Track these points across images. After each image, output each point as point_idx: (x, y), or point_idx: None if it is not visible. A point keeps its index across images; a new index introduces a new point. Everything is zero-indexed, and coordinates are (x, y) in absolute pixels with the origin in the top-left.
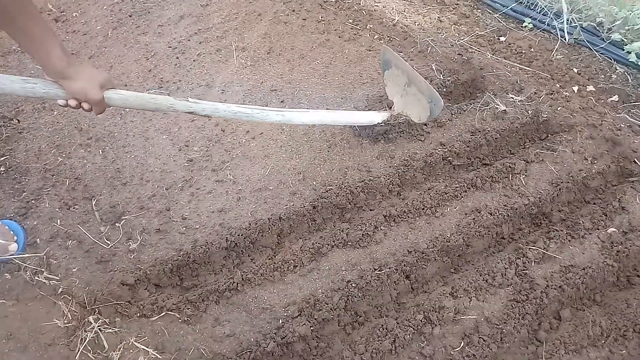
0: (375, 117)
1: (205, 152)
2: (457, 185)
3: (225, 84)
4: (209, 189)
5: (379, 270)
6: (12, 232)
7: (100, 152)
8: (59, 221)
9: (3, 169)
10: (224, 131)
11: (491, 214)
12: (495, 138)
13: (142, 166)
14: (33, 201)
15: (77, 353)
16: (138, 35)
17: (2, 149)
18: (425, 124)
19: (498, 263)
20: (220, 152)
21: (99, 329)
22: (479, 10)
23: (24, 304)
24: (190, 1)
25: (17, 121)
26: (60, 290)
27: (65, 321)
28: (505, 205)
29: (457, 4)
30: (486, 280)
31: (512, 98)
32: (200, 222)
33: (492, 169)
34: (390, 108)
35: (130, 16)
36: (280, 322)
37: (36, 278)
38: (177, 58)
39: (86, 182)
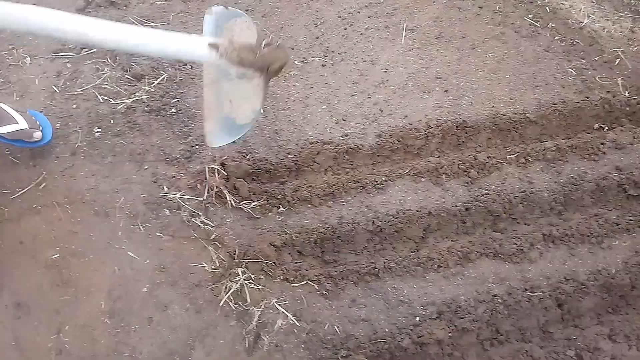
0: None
1: (361, 130)
2: (630, 218)
3: (389, 63)
4: None
5: (530, 292)
6: (37, 122)
7: (262, 111)
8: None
9: (174, 111)
10: (382, 111)
11: None
12: None
13: (299, 132)
14: (197, 147)
15: (221, 300)
16: (310, 1)
17: (175, 91)
18: None
19: None
20: (375, 132)
21: (245, 282)
22: None
23: (178, 242)
24: None
25: (190, 66)
26: (212, 236)
27: (212, 267)
28: None
29: None
30: None
31: None
32: (347, 199)
33: None
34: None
35: None
36: (417, 319)
37: (192, 220)
38: (345, 29)
39: (245, 137)
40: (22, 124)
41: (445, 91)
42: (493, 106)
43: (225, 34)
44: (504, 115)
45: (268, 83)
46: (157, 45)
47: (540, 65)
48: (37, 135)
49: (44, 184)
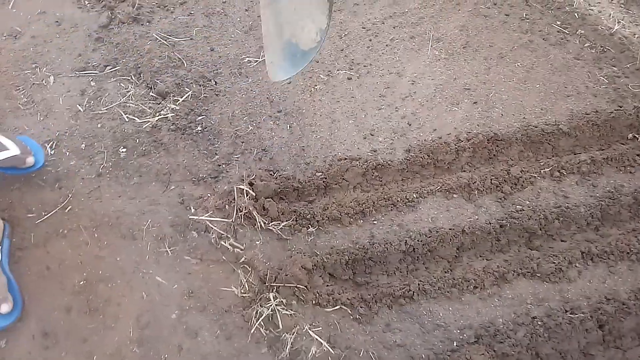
0: None
1: (389, 145)
2: None
3: (416, 75)
4: None
5: (571, 313)
6: (28, 147)
7: (288, 127)
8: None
9: (200, 129)
10: (410, 125)
11: None
12: None
13: (327, 149)
14: (223, 165)
15: (252, 327)
16: (334, 12)
17: (200, 108)
18: None
19: None
20: (404, 147)
21: (276, 307)
22: None
23: (206, 265)
24: None
25: (214, 83)
26: (242, 259)
27: (242, 291)
28: None
29: None
30: None
31: None
32: (378, 218)
33: None
34: None
35: None
36: (455, 344)
37: (221, 242)
38: (370, 40)
39: (272, 155)
40: (13, 150)
41: (475, 103)
42: (524, 117)
43: None
44: (536, 127)
45: None
46: None
47: (570, 74)
48: (30, 160)
49: (69, 207)
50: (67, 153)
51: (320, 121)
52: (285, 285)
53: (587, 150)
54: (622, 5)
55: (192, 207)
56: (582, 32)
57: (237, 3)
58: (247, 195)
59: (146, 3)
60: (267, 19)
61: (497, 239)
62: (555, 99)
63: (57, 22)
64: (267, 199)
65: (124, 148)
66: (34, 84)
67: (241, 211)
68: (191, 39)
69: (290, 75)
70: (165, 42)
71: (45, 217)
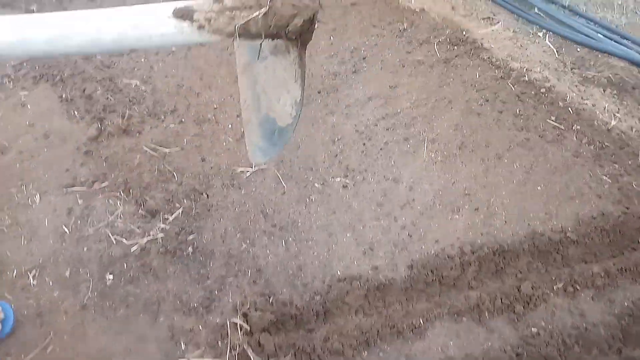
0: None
1: (390, 260)
2: None
3: (413, 180)
4: None
5: None
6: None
7: (283, 243)
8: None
9: (191, 250)
10: (411, 236)
11: None
12: None
13: (325, 267)
14: (216, 292)
15: None
16: (326, 115)
17: (191, 225)
18: None
19: None
20: (406, 262)
21: None
22: None
23: None
24: (378, 81)
25: (206, 196)
26: None
27: None
28: None
29: None
30: None
31: None
32: (383, 348)
33: None
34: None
35: (319, 92)
36: None
37: None
38: (364, 144)
39: (267, 276)
40: None
41: (476, 209)
42: (529, 224)
43: None
44: (542, 235)
45: (304, 56)
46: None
47: (571, 173)
48: None
49: (50, 347)
50: (51, 283)
51: (317, 235)
52: None
53: (599, 259)
54: (616, 97)
55: (182, 342)
56: (579, 127)
57: (228, 109)
58: (241, 330)
59: (137, 112)
60: (245, 89)
61: None
62: (558, 202)
63: (46, 134)
64: (263, 332)
65: (110, 274)
66: (19, 203)
67: (235, 350)
68: (182, 148)
69: (270, 157)
70: (155, 153)
71: None
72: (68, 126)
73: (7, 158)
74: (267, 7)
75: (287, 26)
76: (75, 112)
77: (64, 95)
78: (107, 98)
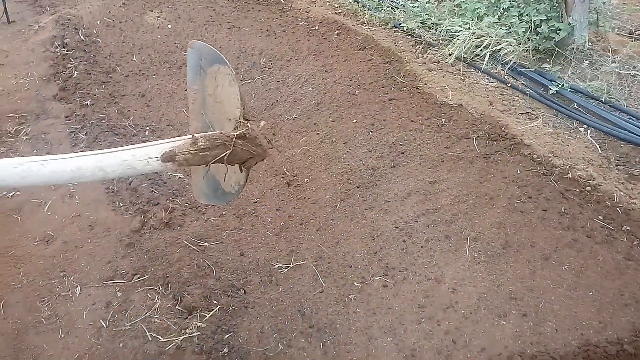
0: (152, 152)
1: None
2: None
3: (455, 281)
4: None
5: None
6: None
7: (321, 346)
8: None
9: (226, 350)
10: (455, 342)
11: None
12: None
13: None
14: None
15: None
16: (365, 210)
17: (227, 323)
18: None
19: None
20: None
21: None
22: None
23: None
24: (418, 176)
25: (243, 292)
26: None
27: None
28: None
29: None
30: None
31: None
32: None
33: None
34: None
35: (357, 187)
36: None
37: None
38: (404, 242)
39: None
40: None
41: (524, 315)
42: (582, 333)
43: (207, 81)
44: (597, 347)
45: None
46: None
47: (624, 278)
48: None
49: None
50: None
51: (356, 338)
52: None
53: None
54: None
55: None
56: (629, 228)
57: (268, 202)
58: None
59: (179, 206)
60: (195, 118)
61: None
62: (612, 310)
63: (90, 225)
64: None
65: None
66: (59, 295)
67: None
68: (221, 242)
69: (210, 203)
70: (195, 247)
71: None
72: (112, 218)
73: (51, 248)
74: (231, 149)
75: (244, 163)
76: (121, 204)
77: (110, 187)
78: (152, 191)
